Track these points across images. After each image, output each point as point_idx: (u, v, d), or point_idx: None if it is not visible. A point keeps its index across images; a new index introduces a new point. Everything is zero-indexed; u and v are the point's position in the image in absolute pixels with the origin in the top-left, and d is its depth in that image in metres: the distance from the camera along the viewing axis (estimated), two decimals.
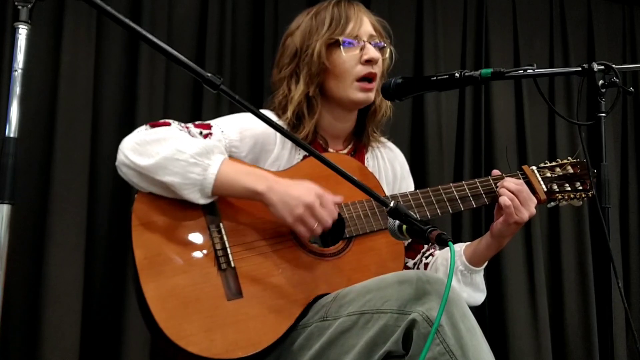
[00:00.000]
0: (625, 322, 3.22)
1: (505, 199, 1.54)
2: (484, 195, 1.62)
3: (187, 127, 1.53)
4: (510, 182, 1.57)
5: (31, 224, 2.38)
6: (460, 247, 1.65)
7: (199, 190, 1.40)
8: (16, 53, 1.11)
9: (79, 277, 2.38)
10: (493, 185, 1.62)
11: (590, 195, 1.66)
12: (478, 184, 1.63)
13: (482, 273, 1.66)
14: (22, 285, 2.34)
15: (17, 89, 1.11)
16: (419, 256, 1.74)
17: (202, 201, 1.42)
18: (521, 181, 1.58)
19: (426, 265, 1.72)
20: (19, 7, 1.11)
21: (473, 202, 1.61)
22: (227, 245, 1.42)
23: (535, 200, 1.58)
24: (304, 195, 1.39)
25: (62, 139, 2.42)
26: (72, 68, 2.47)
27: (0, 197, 1.06)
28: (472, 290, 1.64)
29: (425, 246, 1.74)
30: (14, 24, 1.12)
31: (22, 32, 1.12)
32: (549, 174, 1.67)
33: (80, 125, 2.46)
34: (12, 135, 1.09)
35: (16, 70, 1.11)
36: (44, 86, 2.46)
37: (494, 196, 1.61)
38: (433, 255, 1.73)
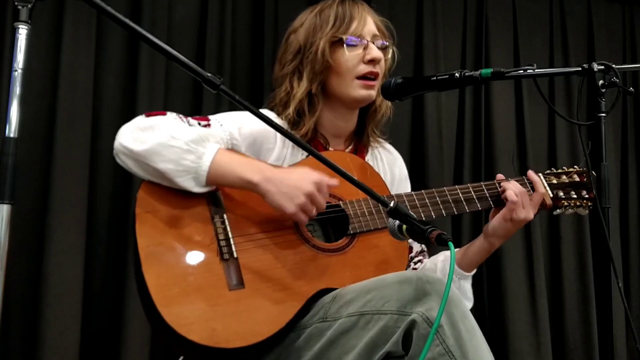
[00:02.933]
0: (625, 322, 3.22)
1: (511, 193, 1.56)
2: (489, 198, 1.62)
3: (185, 117, 1.53)
4: (517, 184, 1.61)
5: (31, 224, 2.37)
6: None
7: (192, 178, 1.39)
8: (16, 53, 1.11)
9: (79, 277, 2.38)
10: (499, 188, 1.62)
11: None
12: (484, 187, 1.63)
13: (470, 281, 1.66)
14: (22, 285, 2.33)
15: (17, 89, 1.11)
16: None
17: (197, 190, 1.41)
18: (525, 190, 1.60)
19: (414, 270, 1.71)
20: (19, 7, 1.11)
21: (478, 204, 1.61)
22: (230, 235, 1.41)
23: (535, 208, 1.60)
24: (303, 184, 1.39)
25: (62, 139, 2.42)
26: (72, 68, 2.47)
27: (0, 197, 1.06)
28: None
29: (415, 250, 1.75)
30: (14, 24, 1.12)
31: (22, 32, 1.11)
32: (554, 181, 1.68)
33: (80, 125, 2.46)
34: (12, 135, 1.09)
35: (16, 70, 1.11)
36: (44, 86, 2.45)
37: (499, 200, 1.62)
38: (422, 262, 1.73)
